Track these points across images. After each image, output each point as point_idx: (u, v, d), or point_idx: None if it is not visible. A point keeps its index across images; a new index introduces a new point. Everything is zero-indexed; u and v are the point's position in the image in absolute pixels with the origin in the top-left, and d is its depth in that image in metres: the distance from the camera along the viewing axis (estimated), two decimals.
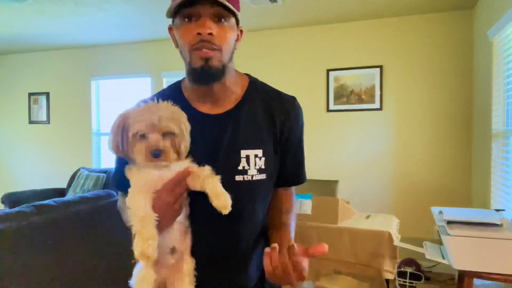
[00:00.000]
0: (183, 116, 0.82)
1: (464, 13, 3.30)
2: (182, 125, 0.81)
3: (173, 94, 0.93)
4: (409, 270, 2.88)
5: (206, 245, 0.89)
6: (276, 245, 0.78)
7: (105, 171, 4.01)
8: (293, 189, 1.05)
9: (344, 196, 3.18)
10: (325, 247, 0.76)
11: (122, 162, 0.86)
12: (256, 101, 0.93)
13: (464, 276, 1.80)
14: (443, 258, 1.93)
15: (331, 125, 3.69)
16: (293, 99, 0.98)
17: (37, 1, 3.14)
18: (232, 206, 0.79)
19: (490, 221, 1.84)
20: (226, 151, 0.88)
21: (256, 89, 0.95)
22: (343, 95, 3.63)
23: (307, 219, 2.56)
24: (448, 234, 1.80)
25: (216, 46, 0.82)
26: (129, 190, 0.81)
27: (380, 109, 3.54)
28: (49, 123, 4.90)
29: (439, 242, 2.07)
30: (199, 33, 0.80)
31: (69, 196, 3.54)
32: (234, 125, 0.90)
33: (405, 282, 2.85)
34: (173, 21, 0.89)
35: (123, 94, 4.62)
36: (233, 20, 0.86)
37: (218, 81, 0.87)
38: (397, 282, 2.90)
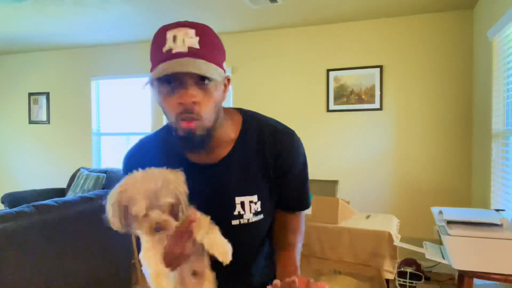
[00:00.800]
0: (179, 183, 0.80)
1: (464, 13, 3.30)
2: (178, 194, 0.79)
3: (167, 143, 0.94)
4: (409, 270, 2.88)
5: (220, 279, 0.93)
6: (277, 282, 0.77)
7: (105, 171, 4.01)
8: (299, 216, 1.03)
9: (344, 196, 3.18)
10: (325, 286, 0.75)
11: None
12: (250, 143, 0.92)
13: (464, 276, 1.79)
14: (443, 258, 1.93)
15: (331, 125, 3.69)
16: (288, 136, 0.95)
17: (37, 1, 3.14)
18: (235, 249, 0.81)
19: (490, 221, 1.84)
20: (220, 199, 0.91)
21: (249, 130, 0.93)
22: (343, 95, 3.64)
23: (307, 219, 2.56)
24: (448, 234, 1.80)
25: (197, 116, 0.78)
26: (142, 247, 0.86)
27: (380, 109, 3.54)
28: (49, 123, 4.90)
29: (439, 242, 2.07)
30: (181, 103, 0.77)
31: (69, 196, 3.54)
32: (227, 174, 0.91)
33: (405, 282, 2.85)
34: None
35: (123, 94, 4.62)
36: (220, 77, 0.80)
37: (204, 147, 0.85)
38: (397, 282, 2.90)
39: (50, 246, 2.06)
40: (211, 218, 0.85)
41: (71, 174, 4.29)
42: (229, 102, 4.10)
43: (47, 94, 4.87)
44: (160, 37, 0.78)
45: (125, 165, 0.97)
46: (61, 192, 4.14)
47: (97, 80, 4.67)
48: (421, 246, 2.14)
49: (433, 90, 3.41)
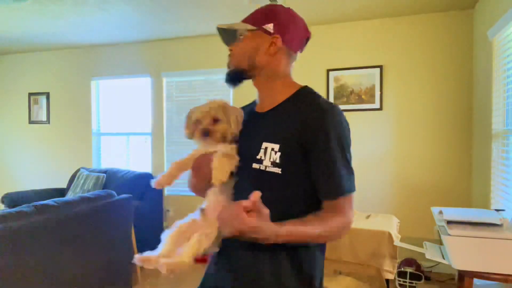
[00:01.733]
0: (232, 109, 1.08)
1: (464, 13, 3.30)
2: (229, 115, 1.05)
3: (256, 100, 1.19)
4: (409, 270, 2.87)
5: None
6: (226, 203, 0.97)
7: (105, 171, 4.01)
8: (344, 206, 0.97)
9: None
10: (257, 193, 0.85)
11: None
12: (292, 106, 1.03)
13: (464, 276, 1.80)
14: (443, 258, 1.93)
15: None
16: (326, 107, 0.98)
17: (37, 1, 3.14)
18: (246, 190, 0.89)
19: (490, 221, 1.84)
20: (253, 142, 1.02)
21: (297, 97, 1.06)
22: (343, 95, 3.64)
23: None
24: (448, 234, 1.80)
25: (230, 57, 1.09)
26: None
27: (380, 109, 3.54)
28: (49, 123, 4.90)
29: (439, 242, 2.08)
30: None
31: (69, 196, 3.54)
32: (265, 122, 1.05)
33: (405, 282, 2.84)
34: None
35: (123, 94, 4.62)
36: (255, 33, 1.04)
37: (236, 81, 1.09)
38: (397, 282, 2.90)
39: (50, 246, 2.06)
40: (242, 158, 1.02)
41: (71, 174, 4.29)
42: (229, 102, 4.10)
43: (47, 94, 4.87)
44: None
45: None
46: (61, 192, 4.14)
47: (97, 80, 4.67)
48: (421, 246, 2.14)
49: (433, 90, 3.41)
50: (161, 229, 3.90)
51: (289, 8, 1.07)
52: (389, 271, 2.38)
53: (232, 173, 1.02)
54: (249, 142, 1.04)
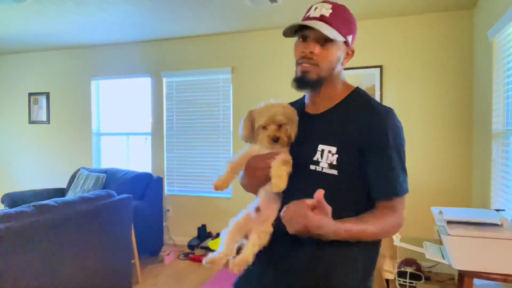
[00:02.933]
0: (292, 112, 1.09)
1: (464, 13, 3.30)
2: (291, 118, 1.08)
3: (301, 99, 1.22)
4: (409, 270, 2.87)
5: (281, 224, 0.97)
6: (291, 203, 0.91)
7: (105, 171, 4.01)
8: (398, 206, 1.00)
9: None
10: (321, 191, 0.87)
11: None
12: (349, 108, 1.07)
13: (464, 276, 1.79)
14: (443, 258, 1.93)
15: None
16: (383, 110, 1.02)
17: (37, 1, 3.14)
18: (303, 191, 0.91)
19: (490, 221, 1.84)
20: (309, 144, 1.05)
21: (353, 98, 1.10)
22: None
23: None
24: (448, 234, 1.80)
25: (315, 62, 1.04)
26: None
27: None
28: (49, 123, 4.90)
29: (439, 242, 2.08)
30: (302, 52, 1.05)
31: (69, 196, 3.54)
32: (321, 124, 1.08)
33: (405, 282, 2.84)
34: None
35: (123, 94, 4.62)
36: (339, 42, 1.05)
37: (314, 90, 1.08)
38: (397, 282, 2.90)
39: (50, 246, 2.06)
40: (297, 159, 1.04)
41: (71, 174, 4.29)
42: (229, 101, 4.10)
43: (47, 94, 4.87)
44: (308, 9, 1.10)
45: None
46: (61, 192, 4.14)
47: (97, 80, 4.67)
48: (421, 246, 2.14)
49: (433, 90, 3.41)
50: (161, 229, 3.92)
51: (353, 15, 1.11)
52: (389, 271, 2.38)
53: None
54: (304, 144, 1.06)
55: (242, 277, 1.12)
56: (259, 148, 1.10)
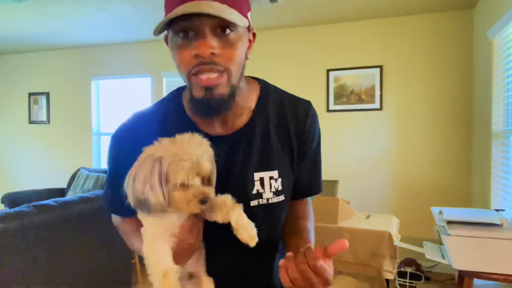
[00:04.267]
0: (210, 149, 0.72)
1: (464, 13, 3.30)
2: (213, 160, 0.72)
3: (173, 111, 0.83)
4: (409, 270, 2.87)
5: (222, 268, 0.82)
6: (290, 254, 0.69)
7: (105, 171, 4.01)
8: (308, 200, 0.97)
9: (344, 196, 3.18)
10: (345, 242, 0.64)
11: (117, 182, 0.71)
12: (270, 113, 0.82)
13: (464, 276, 1.80)
14: (443, 258, 1.93)
15: (331, 125, 3.69)
16: (308, 105, 0.87)
17: (37, 1, 3.13)
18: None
19: (490, 221, 1.84)
20: (238, 175, 0.79)
21: (269, 99, 0.84)
22: (343, 95, 3.63)
23: None
24: (448, 234, 1.80)
25: (222, 67, 0.68)
26: (145, 236, 0.72)
27: (380, 109, 3.54)
28: (49, 123, 4.90)
29: (439, 242, 2.08)
30: (197, 55, 0.66)
31: (69, 196, 3.54)
32: (246, 146, 0.80)
33: (405, 282, 2.84)
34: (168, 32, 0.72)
35: (123, 94, 4.61)
36: (242, 28, 0.70)
37: (226, 111, 0.75)
38: (397, 282, 2.90)
39: (50, 246, 2.06)
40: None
41: (71, 174, 4.29)
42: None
43: (47, 94, 4.87)
44: None
45: (118, 142, 0.81)
46: (61, 192, 4.14)
47: (97, 80, 4.67)
48: (421, 246, 2.14)
49: (433, 90, 3.41)
50: None
51: None
52: (389, 271, 2.38)
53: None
54: (229, 177, 0.79)
55: None
56: (176, 218, 0.72)
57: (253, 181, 0.80)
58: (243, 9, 0.69)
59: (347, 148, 3.64)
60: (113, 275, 2.60)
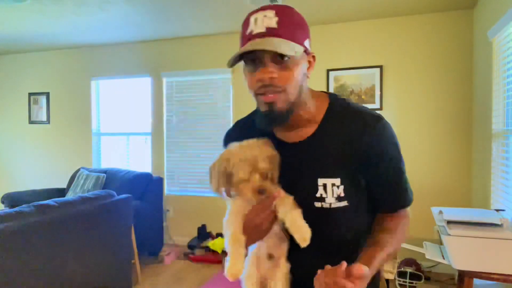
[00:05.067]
0: (273, 153, 0.91)
1: (464, 13, 3.30)
2: (273, 161, 0.90)
3: (255, 116, 0.97)
4: (409, 270, 2.87)
5: (298, 260, 0.94)
6: (327, 266, 0.80)
7: (105, 171, 4.01)
8: (405, 212, 0.97)
9: None
10: (363, 269, 0.75)
11: None
12: (336, 124, 0.92)
13: (464, 276, 1.80)
14: (443, 258, 1.93)
15: None
16: (375, 118, 0.91)
17: (37, 1, 3.14)
18: (314, 232, 0.84)
19: (490, 221, 1.84)
20: (304, 179, 0.92)
21: (335, 111, 0.93)
22: (343, 95, 3.63)
23: None
24: (448, 234, 1.80)
25: (280, 88, 0.83)
26: (227, 213, 0.94)
27: (380, 109, 3.54)
28: (49, 123, 4.90)
29: (439, 242, 2.08)
30: (259, 80, 0.84)
31: (69, 196, 3.54)
32: (311, 153, 0.92)
33: (405, 282, 2.84)
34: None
35: (123, 94, 4.62)
36: (298, 54, 0.83)
37: (285, 122, 0.89)
38: (397, 282, 2.90)
39: (50, 246, 2.06)
40: (296, 199, 0.89)
41: (71, 174, 4.29)
42: (229, 101, 4.10)
43: (47, 94, 4.87)
44: (245, 22, 0.86)
45: (224, 143, 1.05)
46: (61, 192, 4.14)
47: (97, 80, 4.67)
48: (421, 246, 2.14)
49: (433, 90, 3.41)
50: (161, 229, 3.92)
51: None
52: (389, 271, 2.38)
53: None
54: (298, 180, 0.92)
55: None
56: (245, 202, 0.92)
57: (317, 186, 0.91)
58: (299, 38, 0.84)
59: None
60: (113, 275, 2.60)
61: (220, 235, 3.84)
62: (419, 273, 2.89)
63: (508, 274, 1.70)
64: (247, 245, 0.89)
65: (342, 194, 0.90)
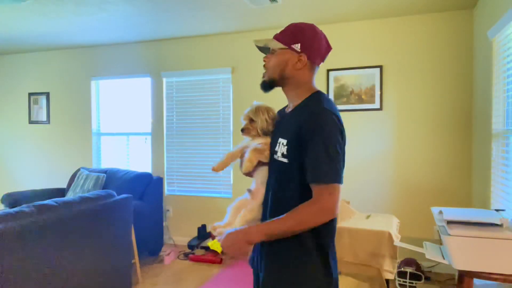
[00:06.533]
0: (263, 110, 1.36)
1: (464, 13, 3.30)
2: (258, 115, 1.34)
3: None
4: (409, 270, 2.88)
5: (264, 198, 1.33)
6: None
7: (105, 171, 4.01)
8: (322, 194, 1.12)
9: (344, 196, 3.19)
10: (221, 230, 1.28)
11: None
12: (301, 109, 1.25)
13: (464, 276, 1.79)
14: (443, 258, 1.93)
15: None
16: (313, 109, 1.19)
17: (37, 1, 3.14)
18: (270, 175, 1.29)
19: (490, 221, 1.84)
20: (275, 137, 1.30)
21: (308, 101, 1.25)
22: (343, 95, 3.64)
23: None
24: (448, 234, 1.80)
25: (265, 69, 1.32)
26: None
27: (380, 109, 3.54)
28: (49, 123, 4.90)
29: (439, 242, 2.08)
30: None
31: (69, 196, 3.54)
32: (284, 121, 1.31)
33: (405, 282, 2.85)
34: None
35: (123, 94, 4.62)
36: (286, 50, 1.26)
37: (267, 89, 1.33)
38: (397, 282, 2.90)
39: (50, 246, 2.06)
40: (271, 150, 1.30)
41: (71, 174, 4.29)
42: (229, 101, 4.10)
43: (47, 94, 4.87)
44: None
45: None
46: (61, 192, 4.14)
47: (97, 80, 4.68)
48: (421, 246, 2.14)
49: (433, 90, 3.41)
50: (161, 229, 3.92)
51: (313, 25, 1.30)
52: (389, 271, 2.38)
53: (264, 162, 1.30)
54: (274, 137, 1.31)
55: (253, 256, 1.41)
56: (249, 141, 1.38)
57: (276, 142, 1.26)
58: (287, 41, 1.26)
59: (347, 148, 3.64)
60: (113, 275, 2.60)
61: None
62: (419, 273, 2.90)
63: (508, 274, 1.70)
64: (244, 173, 1.37)
65: (285, 152, 1.20)
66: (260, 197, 1.33)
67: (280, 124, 1.33)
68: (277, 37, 1.28)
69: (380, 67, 3.53)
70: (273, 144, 1.30)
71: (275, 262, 1.23)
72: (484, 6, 2.94)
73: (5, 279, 1.79)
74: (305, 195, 1.14)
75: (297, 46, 1.25)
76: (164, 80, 4.34)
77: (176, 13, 3.44)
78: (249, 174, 1.37)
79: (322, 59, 1.34)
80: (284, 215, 1.13)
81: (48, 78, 4.88)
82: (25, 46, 4.67)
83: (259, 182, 1.34)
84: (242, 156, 1.36)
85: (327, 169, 1.11)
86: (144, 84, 4.47)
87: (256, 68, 3.97)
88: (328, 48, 1.36)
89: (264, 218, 1.30)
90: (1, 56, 5.11)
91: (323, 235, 1.19)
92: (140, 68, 4.44)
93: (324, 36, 1.34)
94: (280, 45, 1.26)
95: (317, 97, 1.26)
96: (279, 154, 1.23)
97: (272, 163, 1.28)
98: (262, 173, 1.32)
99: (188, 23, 3.72)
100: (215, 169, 1.35)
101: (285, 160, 1.20)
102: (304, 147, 1.15)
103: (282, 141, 1.22)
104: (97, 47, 4.63)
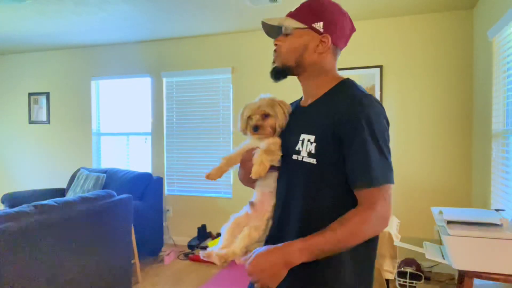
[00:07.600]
0: (280, 104, 1.13)
1: (464, 13, 3.30)
2: (276, 109, 1.11)
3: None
4: (409, 270, 2.88)
5: (275, 211, 1.10)
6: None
7: (105, 171, 4.01)
8: (375, 198, 0.91)
9: None
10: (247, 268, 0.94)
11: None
12: (330, 98, 1.04)
13: (464, 276, 1.80)
14: (443, 258, 1.93)
15: None
16: (357, 98, 0.96)
17: (37, 1, 3.14)
18: (286, 181, 1.05)
19: (490, 221, 1.84)
20: (293, 134, 1.06)
21: (338, 89, 1.05)
22: None
23: None
24: (448, 234, 1.80)
25: (276, 53, 1.10)
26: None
27: None
28: (49, 123, 4.90)
29: (439, 242, 2.08)
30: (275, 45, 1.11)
31: (69, 196, 3.54)
32: (305, 115, 1.08)
33: (405, 282, 2.85)
34: None
35: (123, 94, 4.62)
36: (304, 31, 1.03)
37: (279, 77, 1.12)
38: (397, 282, 2.90)
39: (50, 246, 2.06)
40: (284, 150, 1.07)
41: (71, 174, 4.29)
42: (229, 101, 4.10)
43: (47, 94, 4.87)
44: None
45: None
46: (61, 192, 4.14)
47: (97, 80, 4.67)
48: (421, 246, 2.14)
49: (433, 90, 3.41)
50: (161, 229, 3.92)
51: (335, 2, 1.07)
52: (389, 271, 2.38)
53: (274, 167, 1.08)
54: (290, 135, 1.07)
55: None
56: (253, 141, 1.14)
57: (298, 140, 1.03)
58: (307, 20, 1.03)
59: None
60: (113, 275, 2.60)
61: (220, 235, 3.84)
62: (419, 273, 2.89)
63: (508, 274, 1.70)
64: (245, 183, 1.20)
65: (313, 151, 0.98)
66: (269, 210, 1.10)
67: (296, 119, 1.10)
68: (292, 15, 1.05)
69: (380, 67, 3.53)
70: (290, 142, 1.05)
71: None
72: (484, 6, 2.95)
73: (5, 278, 1.79)
74: (345, 202, 0.95)
75: (319, 25, 1.02)
76: (164, 80, 4.34)
77: (176, 13, 3.44)
78: (248, 182, 1.17)
79: (346, 42, 1.13)
80: (328, 228, 0.91)
81: (48, 78, 4.88)
82: (25, 46, 4.67)
83: (266, 191, 1.12)
84: (244, 161, 1.13)
85: (379, 170, 0.92)
86: (144, 84, 4.47)
87: (256, 68, 3.97)
88: (353, 29, 1.14)
89: (275, 237, 1.04)
90: (1, 56, 5.11)
91: (373, 247, 1.05)
92: (140, 68, 4.44)
93: (348, 15, 1.11)
94: (299, 25, 1.03)
95: (350, 84, 1.05)
96: (303, 153, 0.99)
97: (289, 166, 1.04)
98: (271, 181, 1.11)
99: (188, 23, 3.72)
100: (210, 177, 1.13)
101: (312, 160, 0.97)
102: (346, 144, 0.94)
103: (308, 137, 0.99)
104: (97, 47, 4.63)
